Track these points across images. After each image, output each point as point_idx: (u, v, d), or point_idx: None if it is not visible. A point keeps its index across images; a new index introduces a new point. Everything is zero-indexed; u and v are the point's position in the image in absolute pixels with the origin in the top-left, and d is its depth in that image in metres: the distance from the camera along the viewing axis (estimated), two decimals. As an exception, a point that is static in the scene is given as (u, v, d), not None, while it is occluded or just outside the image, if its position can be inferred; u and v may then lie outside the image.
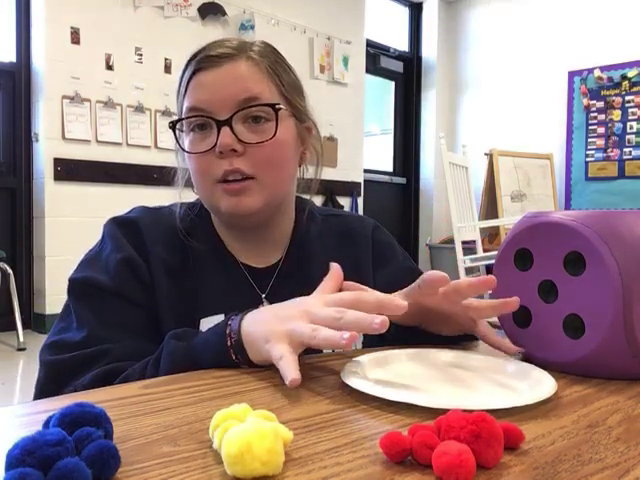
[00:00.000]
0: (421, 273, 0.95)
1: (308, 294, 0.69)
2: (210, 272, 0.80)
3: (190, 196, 0.85)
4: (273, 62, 0.79)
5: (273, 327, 0.59)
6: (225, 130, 0.74)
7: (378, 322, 0.53)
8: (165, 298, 0.76)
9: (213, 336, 0.63)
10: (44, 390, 0.69)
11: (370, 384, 0.52)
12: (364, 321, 0.55)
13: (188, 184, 0.84)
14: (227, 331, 0.62)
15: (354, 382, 0.52)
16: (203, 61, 0.76)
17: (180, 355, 0.63)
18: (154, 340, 0.73)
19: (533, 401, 0.48)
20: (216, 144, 0.74)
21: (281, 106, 0.77)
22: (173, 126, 0.79)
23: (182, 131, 0.79)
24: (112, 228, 0.78)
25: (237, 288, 0.81)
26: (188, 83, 0.77)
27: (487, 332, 0.69)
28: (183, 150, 0.78)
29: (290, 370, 0.54)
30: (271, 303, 0.79)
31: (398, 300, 0.58)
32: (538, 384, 0.53)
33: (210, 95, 0.75)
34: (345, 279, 0.81)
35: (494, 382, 0.57)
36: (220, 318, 0.75)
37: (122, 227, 0.78)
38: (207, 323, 0.76)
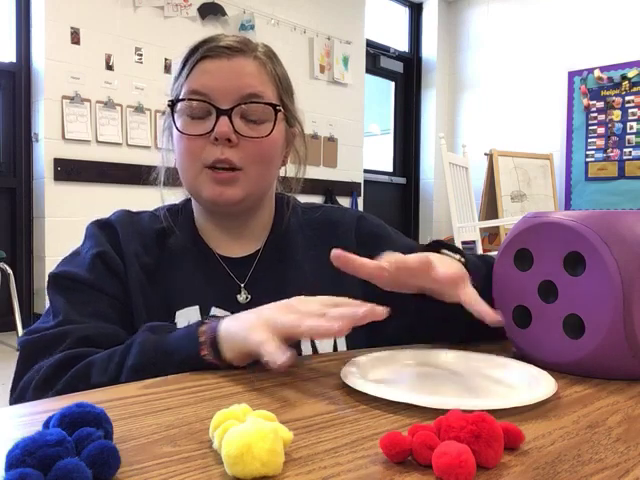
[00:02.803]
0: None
1: (288, 283, 0.72)
2: (186, 266, 0.81)
3: (178, 196, 0.87)
4: (275, 64, 0.83)
5: (253, 321, 0.59)
6: (224, 119, 0.76)
7: (362, 311, 0.54)
8: (139, 293, 0.77)
9: (185, 331, 0.63)
10: (18, 371, 0.70)
11: (370, 384, 0.52)
12: (348, 312, 0.55)
13: (169, 184, 0.86)
14: (202, 328, 0.62)
15: (354, 382, 0.52)
16: (213, 50, 0.78)
17: (150, 346, 0.63)
18: (127, 331, 0.74)
19: (533, 401, 0.48)
20: (212, 130, 0.76)
21: (280, 108, 0.80)
22: (172, 105, 0.80)
23: (176, 112, 0.80)
24: (92, 229, 0.81)
25: (214, 279, 0.82)
26: (193, 67, 0.78)
27: (472, 299, 0.62)
28: (178, 130, 0.79)
29: (275, 353, 0.53)
30: (250, 292, 0.82)
31: (377, 307, 0.56)
32: (538, 384, 0.53)
33: (215, 82, 0.77)
34: (327, 269, 0.80)
35: (494, 382, 0.57)
36: (195, 310, 0.78)
37: (100, 228, 0.81)
38: (182, 316, 0.77)
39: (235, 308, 0.79)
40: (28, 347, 0.70)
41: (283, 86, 0.83)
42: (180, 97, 0.79)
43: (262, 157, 0.79)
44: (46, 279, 0.78)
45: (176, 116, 0.80)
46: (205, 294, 0.80)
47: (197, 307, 0.78)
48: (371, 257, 0.86)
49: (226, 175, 0.77)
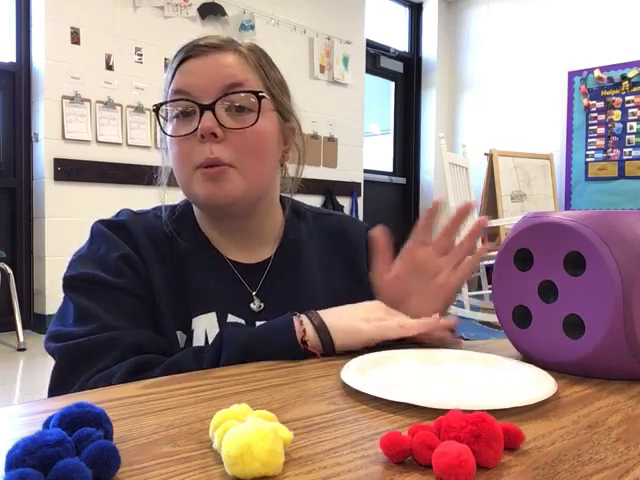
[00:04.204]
0: None
1: (300, 291, 0.75)
2: (198, 270, 0.80)
3: (179, 197, 0.85)
4: (260, 58, 0.81)
5: (365, 314, 0.69)
6: (207, 114, 0.74)
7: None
8: (162, 295, 0.76)
9: (279, 322, 0.68)
10: (59, 378, 0.68)
11: (370, 384, 0.52)
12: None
13: (171, 184, 0.84)
14: (299, 318, 0.68)
15: (354, 382, 0.52)
16: (192, 50, 0.78)
17: (244, 337, 0.66)
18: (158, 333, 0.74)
19: (533, 401, 0.48)
20: (197, 128, 0.74)
21: (264, 94, 0.78)
22: (157, 109, 0.79)
23: (166, 119, 0.79)
24: (102, 229, 0.78)
25: (226, 284, 0.80)
26: (176, 70, 0.78)
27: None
28: (165, 133, 0.79)
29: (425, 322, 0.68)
30: (262, 300, 0.81)
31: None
32: (538, 384, 0.53)
33: (195, 79, 0.76)
34: (337, 278, 0.82)
35: (494, 382, 0.57)
36: (212, 316, 0.77)
37: (112, 228, 0.78)
38: (199, 321, 0.76)
39: (249, 316, 0.79)
40: (69, 353, 0.68)
41: (271, 78, 0.81)
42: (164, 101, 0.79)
43: (252, 149, 0.77)
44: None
45: (168, 122, 0.79)
46: (220, 300, 0.78)
47: (214, 313, 0.77)
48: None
49: (218, 169, 0.75)
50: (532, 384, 0.54)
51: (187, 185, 0.78)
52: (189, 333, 0.76)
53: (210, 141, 0.75)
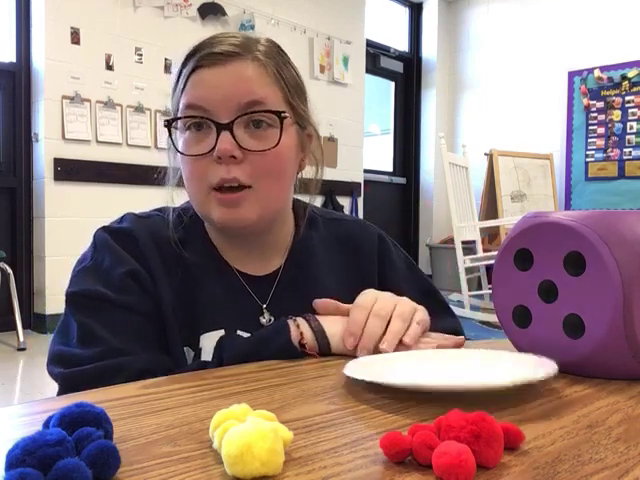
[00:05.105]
0: (424, 285, 0.92)
1: (311, 302, 0.73)
2: (207, 282, 0.77)
3: (183, 196, 0.81)
4: (279, 64, 0.75)
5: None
6: (225, 135, 0.70)
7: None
8: (169, 309, 0.73)
9: (276, 324, 0.70)
10: None
11: (374, 375, 0.51)
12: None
13: (180, 184, 0.79)
14: (295, 322, 0.69)
15: (357, 373, 0.52)
16: (206, 58, 0.71)
17: (243, 342, 0.68)
18: (165, 352, 0.72)
19: (537, 379, 0.49)
20: (214, 148, 0.70)
21: (286, 114, 0.73)
22: (169, 125, 0.74)
23: (177, 128, 0.75)
24: (107, 239, 0.74)
25: (236, 298, 0.77)
26: (187, 79, 0.72)
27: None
28: (178, 152, 0.74)
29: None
30: (272, 313, 0.78)
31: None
32: (541, 366, 0.54)
33: (211, 93, 0.70)
34: (348, 287, 0.79)
35: (496, 369, 0.57)
36: (221, 334, 0.74)
37: (117, 238, 0.74)
38: (208, 339, 0.73)
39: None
40: (72, 381, 0.64)
41: (290, 87, 0.75)
42: (177, 114, 0.73)
43: (272, 171, 0.73)
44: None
45: (178, 134, 0.74)
46: (229, 316, 0.75)
47: (223, 331, 0.74)
48: (382, 276, 0.88)
49: (233, 197, 0.71)
50: (534, 366, 0.55)
51: (202, 206, 0.74)
52: (197, 350, 0.73)
53: (227, 162, 0.70)
